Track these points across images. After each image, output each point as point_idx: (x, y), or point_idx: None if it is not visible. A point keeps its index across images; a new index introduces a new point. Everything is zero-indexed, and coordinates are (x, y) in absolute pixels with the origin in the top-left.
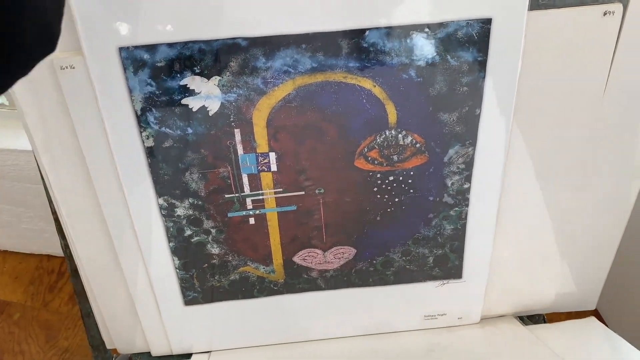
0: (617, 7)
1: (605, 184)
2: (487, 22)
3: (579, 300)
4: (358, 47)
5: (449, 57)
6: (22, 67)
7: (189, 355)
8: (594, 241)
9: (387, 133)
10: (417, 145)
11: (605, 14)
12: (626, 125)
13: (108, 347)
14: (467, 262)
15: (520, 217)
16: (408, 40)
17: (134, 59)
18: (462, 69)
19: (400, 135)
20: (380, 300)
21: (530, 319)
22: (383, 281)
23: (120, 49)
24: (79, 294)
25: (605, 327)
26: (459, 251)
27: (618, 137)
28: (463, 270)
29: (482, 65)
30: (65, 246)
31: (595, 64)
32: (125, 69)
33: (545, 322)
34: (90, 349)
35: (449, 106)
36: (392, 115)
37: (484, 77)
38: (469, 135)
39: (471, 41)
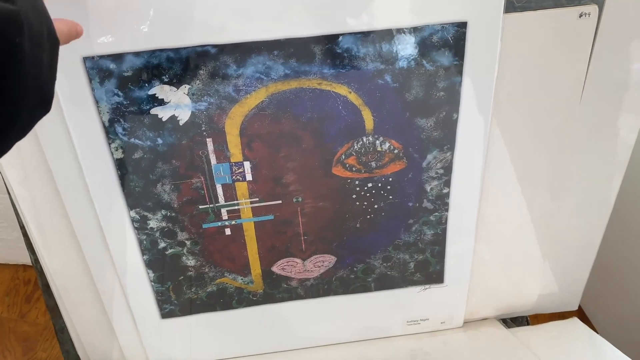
0: (593, 9)
1: (584, 185)
2: (463, 25)
3: (562, 301)
4: (332, 52)
5: (424, 61)
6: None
7: None
8: (575, 242)
9: (365, 139)
10: (395, 151)
11: (581, 15)
12: (604, 126)
13: None
14: (448, 267)
15: (501, 220)
16: (383, 45)
17: (100, 68)
18: (438, 73)
19: (377, 142)
20: (362, 307)
21: (513, 321)
22: (364, 288)
23: (85, 59)
24: (52, 309)
25: (588, 328)
26: (440, 256)
27: (596, 138)
28: (445, 275)
29: (458, 69)
30: (36, 261)
31: (572, 65)
32: (90, 79)
33: (528, 323)
34: None
35: (426, 111)
36: (368, 121)
37: (460, 82)
38: (447, 140)
39: (447, 45)
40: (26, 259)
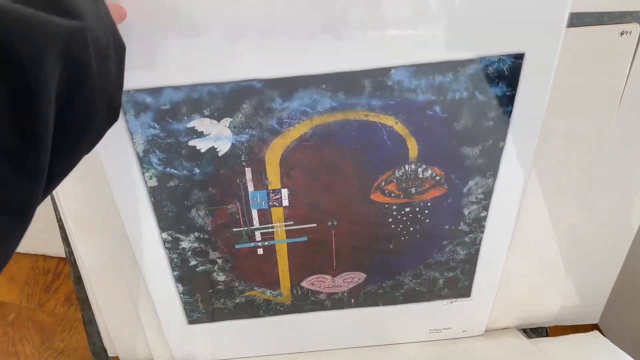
0: (634, 27)
1: (613, 200)
2: (520, 57)
3: (583, 314)
4: (382, 85)
5: (477, 92)
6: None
7: None
8: (601, 256)
9: (407, 167)
10: (437, 178)
11: (622, 33)
12: (636, 142)
13: (110, 354)
14: (476, 282)
15: (529, 231)
16: (435, 77)
17: (135, 102)
18: (489, 103)
19: (420, 169)
20: (387, 318)
21: (533, 331)
22: (391, 301)
23: None
24: (82, 301)
25: (608, 341)
26: (470, 273)
27: (627, 155)
28: (472, 290)
29: (510, 99)
30: (70, 253)
31: (610, 83)
32: (125, 112)
33: (548, 334)
34: (92, 356)
35: (472, 140)
36: (413, 150)
37: (510, 111)
38: (490, 167)
39: (501, 76)
40: (46, 250)
